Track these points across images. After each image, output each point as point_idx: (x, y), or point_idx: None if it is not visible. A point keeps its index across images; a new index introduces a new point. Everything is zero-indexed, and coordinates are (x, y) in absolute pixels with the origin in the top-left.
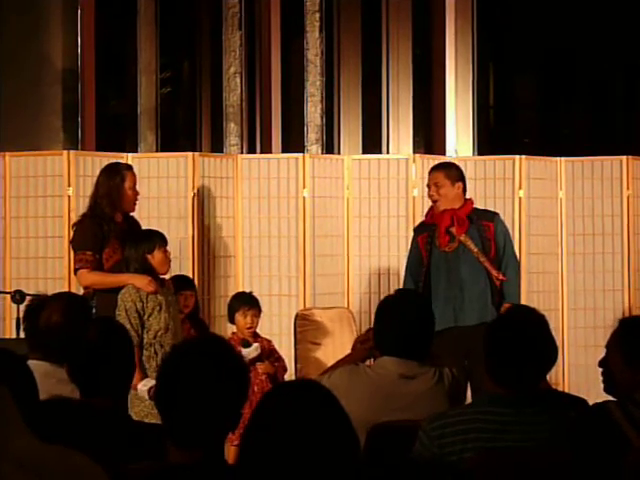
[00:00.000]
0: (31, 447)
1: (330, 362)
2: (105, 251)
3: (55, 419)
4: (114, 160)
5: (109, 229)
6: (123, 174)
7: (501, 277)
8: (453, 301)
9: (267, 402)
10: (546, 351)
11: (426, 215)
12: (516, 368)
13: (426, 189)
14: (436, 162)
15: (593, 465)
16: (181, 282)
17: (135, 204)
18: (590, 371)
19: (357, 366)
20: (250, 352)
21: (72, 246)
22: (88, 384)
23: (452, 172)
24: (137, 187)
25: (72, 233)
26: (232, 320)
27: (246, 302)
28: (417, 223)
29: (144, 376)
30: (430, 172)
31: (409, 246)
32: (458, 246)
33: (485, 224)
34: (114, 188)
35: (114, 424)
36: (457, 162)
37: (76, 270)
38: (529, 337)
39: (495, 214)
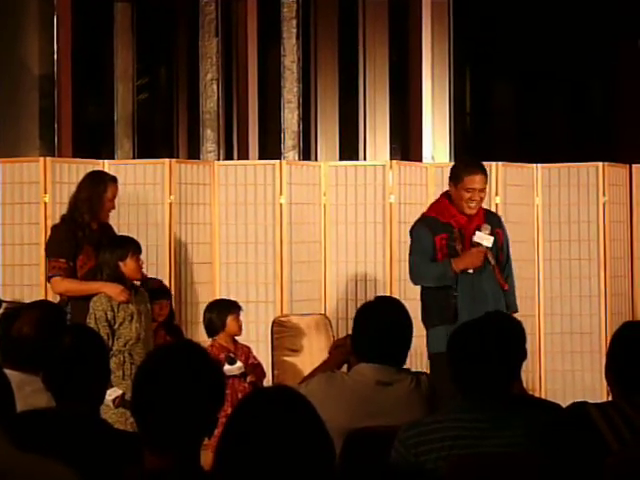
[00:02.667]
0: (8, 456)
1: (307, 368)
2: (79, 258)
3: (31, 431)
4: (98, 169)
5: (84, 235)
6: (107, 184)
7: (506, 287)
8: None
9: (243, 408)
10: (510, 356)
11: (439, 211)
12: (481, 374)
13: (403, 196)
14: (411, 168)
15: (570, 468)
16: (156, 291)
17: (109, 215)
18: (567, 377)
19: (334, 373)
20: (232, 370)
21: (46, 252)
22: (63, 391)
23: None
24: (116, 199)
25: (47, 238)
26: (215, 328)
27: (234, 306)
28: (423, 213)
29: (110, 385)
30: (476, 173)
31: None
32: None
33: (497, 232)
34: (95, 195)
35: (90, 430)
36: (433, 169)
37: (49, 277)
38: (487, 342)
39: (500, 218)
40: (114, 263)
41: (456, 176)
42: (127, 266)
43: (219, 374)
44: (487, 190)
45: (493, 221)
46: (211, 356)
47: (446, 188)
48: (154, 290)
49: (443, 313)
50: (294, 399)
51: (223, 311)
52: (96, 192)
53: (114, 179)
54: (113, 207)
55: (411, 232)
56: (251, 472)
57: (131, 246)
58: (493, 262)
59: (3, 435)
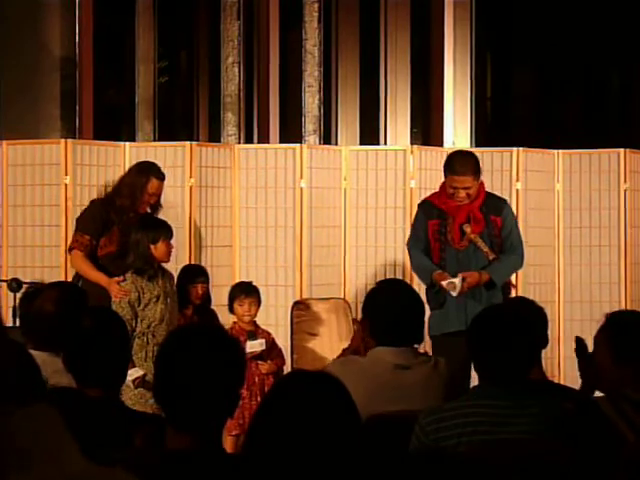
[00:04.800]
0: (87, 473)
1: (326, 353)
2: (102, 239)
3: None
4: (152, 160)
5: (117, 218)
6: (149, 177)
7: (491, 257)
8: (464, 305)
9: (280, 390)
10: (529, 342)
11: (437, 195)
12: (501, 360)
13: (423, 180)
14: (432, 153)
15: (587, 456)
16: (194, 273)
17: (147, 209)
18: None
19: (350, 357)
20: (254, 345)
21: (76, 224)
22: (84, 373)
23: (477, 168)
24: (162, 197)
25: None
26: (231, 309)
27: (243, 290)
28: (424, 197)
29: (132, 366)
30: (456, 173)
31: (411, 220)
32: (469, 245)
33: (493, 219)
34: (137, 184)
35: (109, 413)
36: None
37: (71, 249)
38: (508, 328)
39: (504, 204)
40: (145, 245)
41: (444, 168)
42: (158, 249)
43: (239, 353)
44: (508, 176)
45: (490, 208)
46: (231, 335)
47: None
48: (191, 271)
49: (435, 298)
50: (332, 383)
51: (232, 295)
52: (138, 182)
53: (160, 175)
54: (155, 202)
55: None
56: (285, 454)
57: (164, 230)
58: (486, 249)
59: (77, 448)
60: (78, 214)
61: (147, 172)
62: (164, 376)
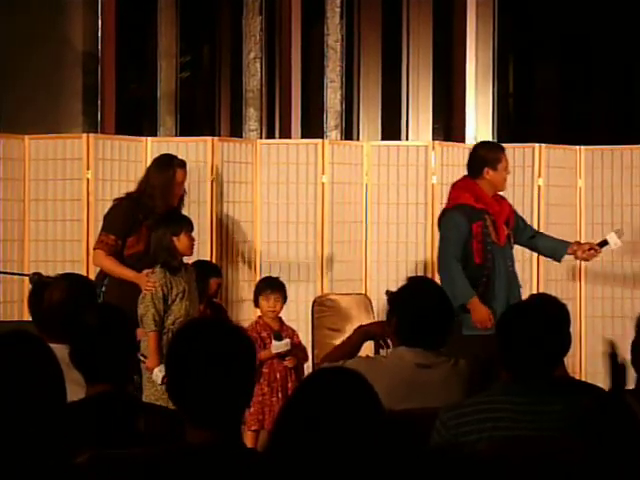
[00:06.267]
0: None
1: None
2: (130, 239)
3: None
4: (166, 152)
5: (145, 219)
6: (175, 168)
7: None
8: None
9: (305, 387)
10: (560, 340)
11: (468, 197)
12: (529, 357)
13: (445, 176)
14: (454, 149)
15: (609, 454)
16: (208, 268)
17: (181, 201)
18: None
19: (373, 357)
20: (280, 346)
21: (103, 223)
22: (90, 370)
23: None
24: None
25: (108, 210)
26: (257, 303)
27: (269, 286)
28: (453, 204)
29: (161, 361)
30: (504, 151)
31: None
32: (507, 240)
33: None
34: (167, 181)
35: (118, 407)
36: None
37: (95, 248)
38: (540, 326)
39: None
40: (168, 238)
41: (495, 158)
42: (180, 242)
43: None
44: (530, 172)
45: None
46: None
47: None
48: (205, 267)
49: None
50: (357, 381)
51: (258, 290)
52: (166, 178)
53: (182, 163)
54: (184, 191)
55: (442, 219)
56: (309, 452)
57: (184, 223)
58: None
59: None
60: (100, 209)
61: (170, 165)
62: (175, 373)
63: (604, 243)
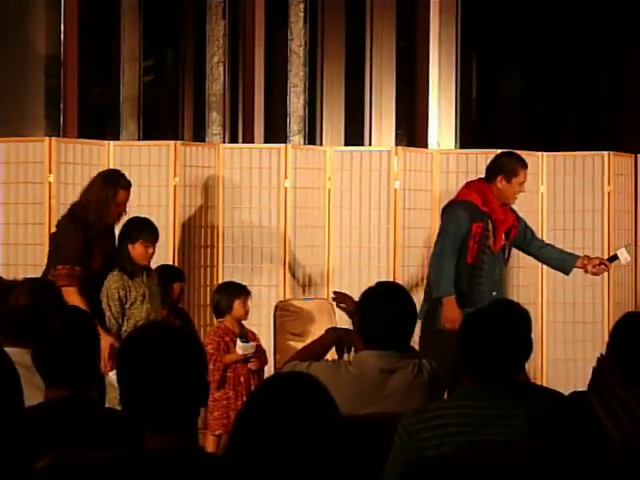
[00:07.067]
0: None
1: None
2: (94, 260)
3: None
4: (114, 168)
5: (96, 234)
6: (117, 189)
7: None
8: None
9: (261, 393)
10: (521, 345)
11: (476, 198)
12: (491, 362)
13: (408, 181)
14: (417, 154)
15: (570, 457)
16: (171, 273)
17: (119, 219)
18: (568, 366)
19: (338, 362)
20: (247, 348)
21: (59, 256)
22: (50, 373)
23: None
24: (128, 203)
25: (56, 239)
26: (222, 310)
27: (244, 290)
28: (459, 198)
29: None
30: (525, 167)
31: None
32: (502, 250)
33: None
34: (103, 199)
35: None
36: (439, 155)
37: (63, 286)
38: (502, 331)
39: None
40: (125, 244)
41: (512, 170)
42: (135, 250)
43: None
44: None
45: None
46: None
47: (451, 175)
48: (168, 272)
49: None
50: (313, 385)
51: (231, 294)
52: (106, 195)
53: (127, 184)
54: (123, 211)
55: (446, 211)
56: (266, 457)
57: (144, 232)
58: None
59: None
60: (63, 213)
61: (113, 184)
62: (124, 379)
63: (614, 258)
